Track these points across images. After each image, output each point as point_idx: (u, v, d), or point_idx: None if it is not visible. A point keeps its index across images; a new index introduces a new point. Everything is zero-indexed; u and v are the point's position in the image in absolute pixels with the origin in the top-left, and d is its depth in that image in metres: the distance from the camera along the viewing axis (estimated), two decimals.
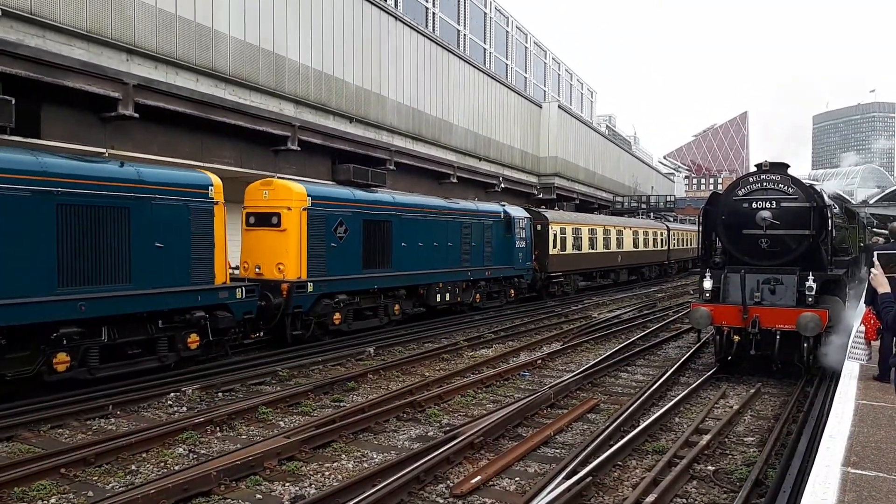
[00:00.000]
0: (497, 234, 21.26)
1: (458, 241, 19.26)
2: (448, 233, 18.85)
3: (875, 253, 4.36)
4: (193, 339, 11.35)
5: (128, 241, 10.31)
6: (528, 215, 24.02)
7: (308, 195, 14.16)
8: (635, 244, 34.22)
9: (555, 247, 25.44)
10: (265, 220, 14.08)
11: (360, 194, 16.17)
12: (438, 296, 18.28)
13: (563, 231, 26.21)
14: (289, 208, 13.89)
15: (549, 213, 26.43)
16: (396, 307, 16.78)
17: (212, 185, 11.82)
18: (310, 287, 13.84)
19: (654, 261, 37.83)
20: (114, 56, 16.11)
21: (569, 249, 26.64)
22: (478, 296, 20.50)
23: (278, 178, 16.37)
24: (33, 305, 9.03)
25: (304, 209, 13.99)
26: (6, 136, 13.56)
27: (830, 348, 10.24)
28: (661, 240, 39.10)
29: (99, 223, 9.93)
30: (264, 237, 14.08)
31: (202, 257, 11.52)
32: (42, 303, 9.12)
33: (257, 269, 14.09)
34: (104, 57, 15.88)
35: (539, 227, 24.70)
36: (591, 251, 28.65)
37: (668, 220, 48.52)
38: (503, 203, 24.49)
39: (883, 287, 4.18)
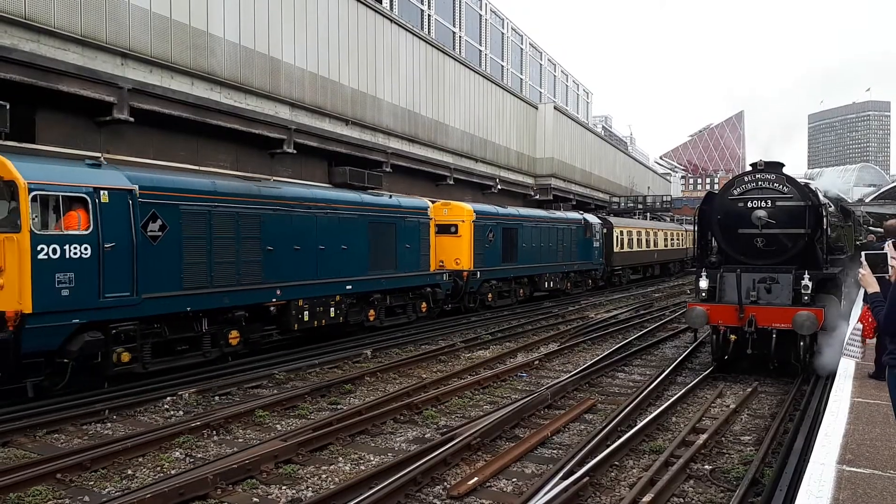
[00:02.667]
0: (580, 236, 27.40)
1: (556, 242, 25.53)
2: (549, 236, 25.07)
3: (862, 253, 4.35)
4: (423, 306, 18.04)
5: (394, 243, 16.71)
6: (600, 221, 30.21)
7: (474, 212, 20.63)
8: (665, 244, 39.76)
9: (618, 246, 31.67)
10: (446, 229, 20.09)
11: (501, 210, 23.11)
12: (546, 283, 24.79)
13: (622, 233, 32.33)
14: (463, 221, 20.29)
15: (613, 219, 33.13)
16: (521, 291, 23.46)
17: (429, 207, 18.57)
18: (478, 274, 20.43)
19: (677, 257, 43.24)
20: (108, 60, 16.10)
21: (625, 248, 32.83)
22: (569, 284, 26.63)
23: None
24: (365, 281, 15.55)
25: (472, 221, 20.33)
26: (1, 142, 13.55)
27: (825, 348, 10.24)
28: (682, 239, 44.25)
29: (384, 233, 16.30)
30: (446, 241, 19.94)
31: (425, 254, 17.98)
32: (367, 280, 15.61)
33: (441, 263, 19.55)
34: (99, 61, 15.87)
35: (606, 230, 30.40)
36: (638, 249, 34.93)
37: (665, 221, 49.20)
38: (581, 212, 31.07)
39: (872, 287, 4.19)
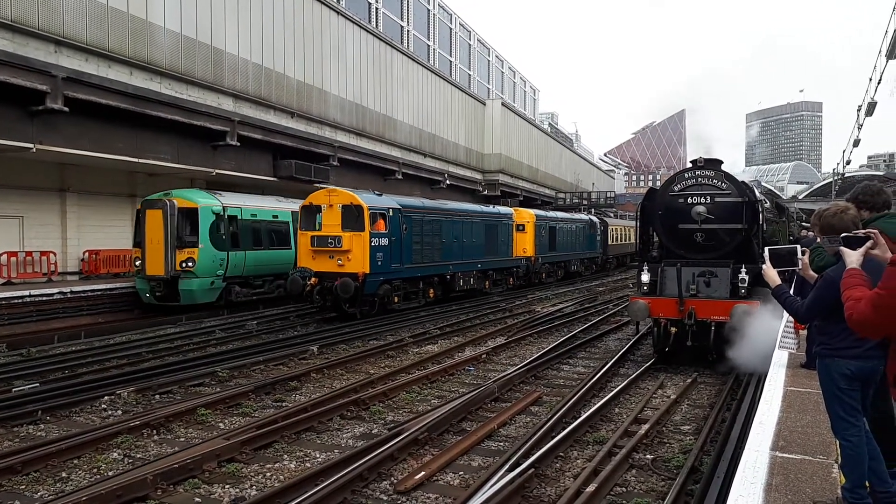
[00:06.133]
0: (587, 232, 35.60)
1: (575, 237, 33.76)
2: (572, 232, 33.19)
3: (766, 249, 4.52)
4: (511, 280, 26.27)
5: (497, 238, 24.49)
6: (599, 220, 38.66)
7: (535, 216, 28.46)
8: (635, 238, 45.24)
9: (611, 240, 39.84)
10: (518, 228, 26.93)
11: (547, 213, 31.83)
12: (572, 266, 33.38)
13: (612, 230, 40.56)
14: (528, 222, 27.66)
15: (608, 219, 41.79)
16: (559, 272, 31.74)
17: (513, 213, 26.95)
18: (539, 260, 28.45)
19: None
20: (41, 47, 15.47)
21: (614, 241, 40.78)
22: (583, 268, 35.48)
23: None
24: (485, 262, 23.51)
25: (534, 222, 27.93)
26: None
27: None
28: None
29: (492, 231, 24.14)
30: (517, 236, 26.71)
31: (510, 245, 25.88)
32: (486, 261, 23.55)
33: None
34: (30, 48, 15.22)
35: (602, 228, 38.37)
36: (621, 242, 42.77)
37: (611, 217, 50.73)
38: (588, 214, 41.11)
39: (774, 281, 4.34)
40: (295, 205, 20.86)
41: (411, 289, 19.47)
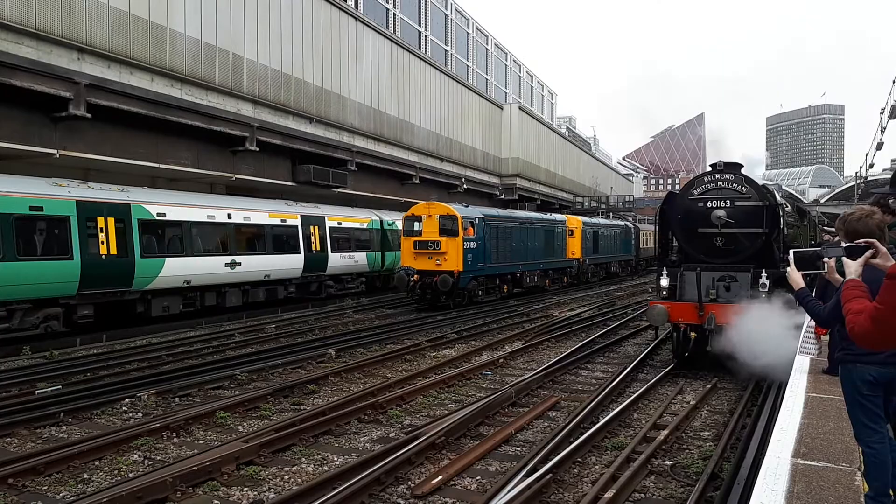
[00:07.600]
0: (623, 237, 38.78)
1: (613, 241, 36.70)
2: (611, 236, 36.26)
3: (791, 252, 4.46)
4: (565, 279, 29.78)
5: (553, 241, 27.91)
6: (633, 226, 41.88)
7: (582, 221, 31.69)
8: None
9: (642, 244, 43.20)
10: (569, 233, 29.81)
11: (591, 219, 35.42)
12: (612, 268, 36.73)
13: (643, 234, 43.78)
14: (577, 227, 30.67)
15: (640, 225, 45.14)
16: (602, 272, 35.01)
17: (566, 220, 30.17)
18: (587, 261, 31.69)
19: None
20: (64, 54, 15.70)
21: (643, 245, 43.53)
22: (620, 269, 38.51)
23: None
24: (545, 263, 27.30)
25: (581, 228, 30.93)
26: None
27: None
28: None
29: (549, 236, 27.64)
30: (569, 240, 29.84)
31: (564, 248, 29.22)
32: (545, 262, 27.26)
33: None
34: (54, 55, 15.46)
35: (635, 232, 41.49)
36: (649, 246, 44.00)
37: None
38: (625, 220, 44.21)
39: (798, 284, 4.28)
40: (95, 191, 15.24)
41: (490, 284, 23.21)
